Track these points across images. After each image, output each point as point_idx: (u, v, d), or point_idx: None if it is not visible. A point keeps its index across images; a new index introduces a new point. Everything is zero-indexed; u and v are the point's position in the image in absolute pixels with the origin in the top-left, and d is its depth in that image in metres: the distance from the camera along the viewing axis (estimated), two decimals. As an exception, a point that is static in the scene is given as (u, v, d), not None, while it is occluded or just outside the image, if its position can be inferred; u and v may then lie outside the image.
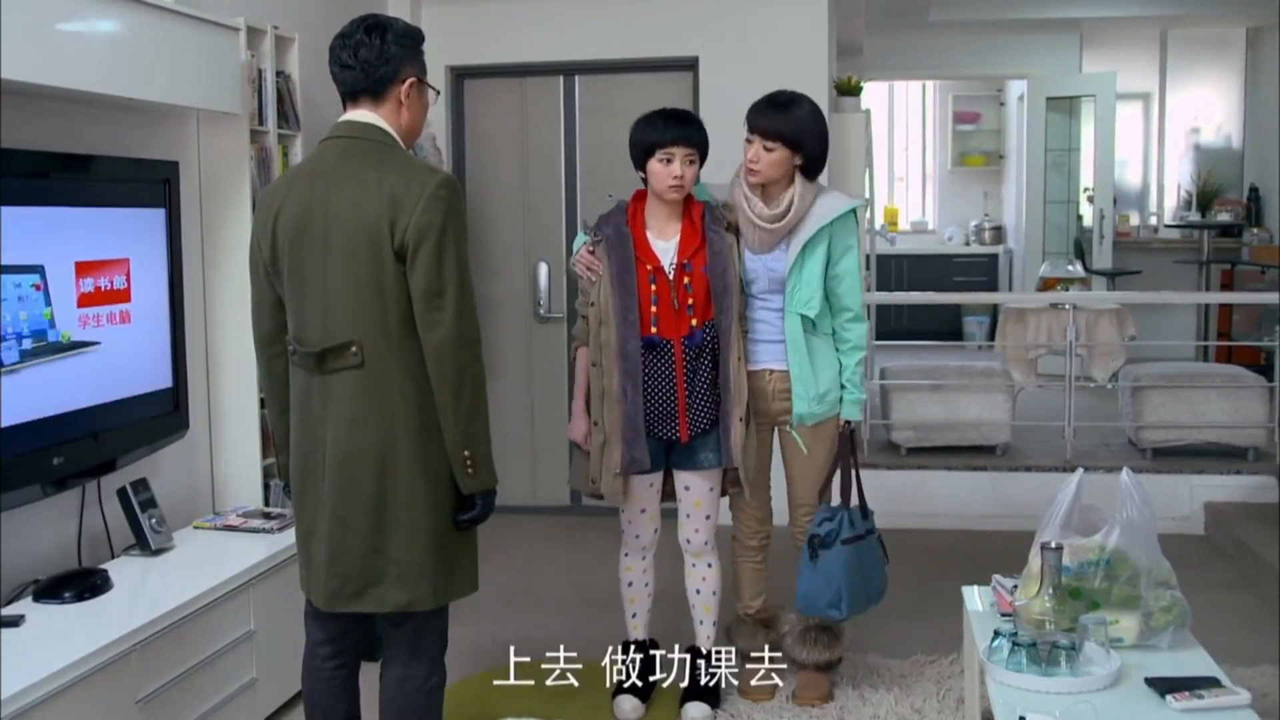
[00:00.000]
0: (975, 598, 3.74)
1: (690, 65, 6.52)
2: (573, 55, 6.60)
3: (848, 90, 6.93)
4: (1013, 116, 12.27)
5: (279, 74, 4.80)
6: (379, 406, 2.87)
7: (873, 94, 11.86)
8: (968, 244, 12.74)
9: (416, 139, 3.08)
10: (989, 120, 12.87)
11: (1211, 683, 2.94)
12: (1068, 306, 6.92)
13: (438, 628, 3.09)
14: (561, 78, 6.74)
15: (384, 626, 3.06)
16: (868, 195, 7.67)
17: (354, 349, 2.85)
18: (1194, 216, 10.80)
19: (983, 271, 12.36)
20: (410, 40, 2.98)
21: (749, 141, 4.03)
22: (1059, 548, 3.13)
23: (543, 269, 6.80)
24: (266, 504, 4.59)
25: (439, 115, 6.53)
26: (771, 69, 5.83)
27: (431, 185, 2.81)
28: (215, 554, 3.96)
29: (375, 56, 2.91)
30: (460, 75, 6.77)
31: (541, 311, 6.82)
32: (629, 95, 6.69)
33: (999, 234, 12.56)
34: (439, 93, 3.09)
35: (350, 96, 2.97)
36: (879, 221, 11.73)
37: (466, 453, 2.87)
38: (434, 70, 6.54)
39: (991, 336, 9.97)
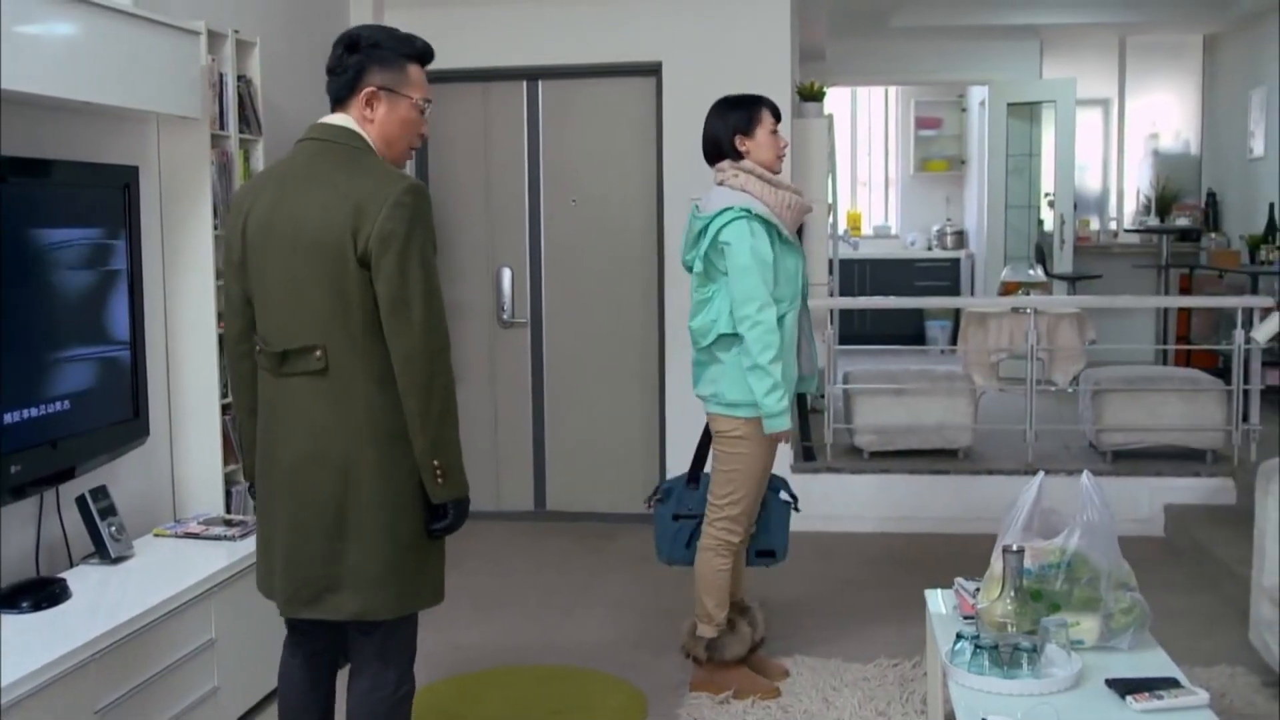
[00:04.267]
0: (938, 601, 3.76)
1: (653, 70, 6.53)
2: (535, 60, 6.60)
3: (810, 95, 6.95)
4: (974, 122, 12.34)
5: (240, 78, 4.77)
6: (342, 413, 2.82)
7: (835, 99, 11.92)
8: (930, 249, 12.82)
9: (402, 151, 2.97)
10: (950, 125, 12.95)
11: (1171, 683, 2.97)
12: (1029, 311, 6.96)
13: (406, 636, 3.03)
14: (524, 82, 6.74)
15: (352, 634, 3.02)
16: (830, 200, 7.70)
17: (318, 353, 2.81)
18: (1153, 221, 10.91)
19: (944, 276, 12.43)
20: (375, 49, 2.91)
21: (775, 133, 4.16)
22: (1020, 550, 3.15)
23: (506, 274, 6.79)
24: (228, 511, 4.57)
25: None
26: (734, 74, 5.84)
27: (396, 192, 2.75)
28: (176, 562, 3.93)
29: (334, 65, 2.93)
30: (423, 80, 6.74)
31: (505, 316, 6.81)
32: (592, 100, 6.71)
33: (961, 239, 12.64)
34: (420, 107, 2.95)
35: (333, 101, 2.98)
36: (842, 226, 11.79)
37: (436, 461, 2.82)
38: (396, 75, 6.59)
39: (953, 341, 10.03)
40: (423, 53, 2.97)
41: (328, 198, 2.79)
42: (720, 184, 4.12)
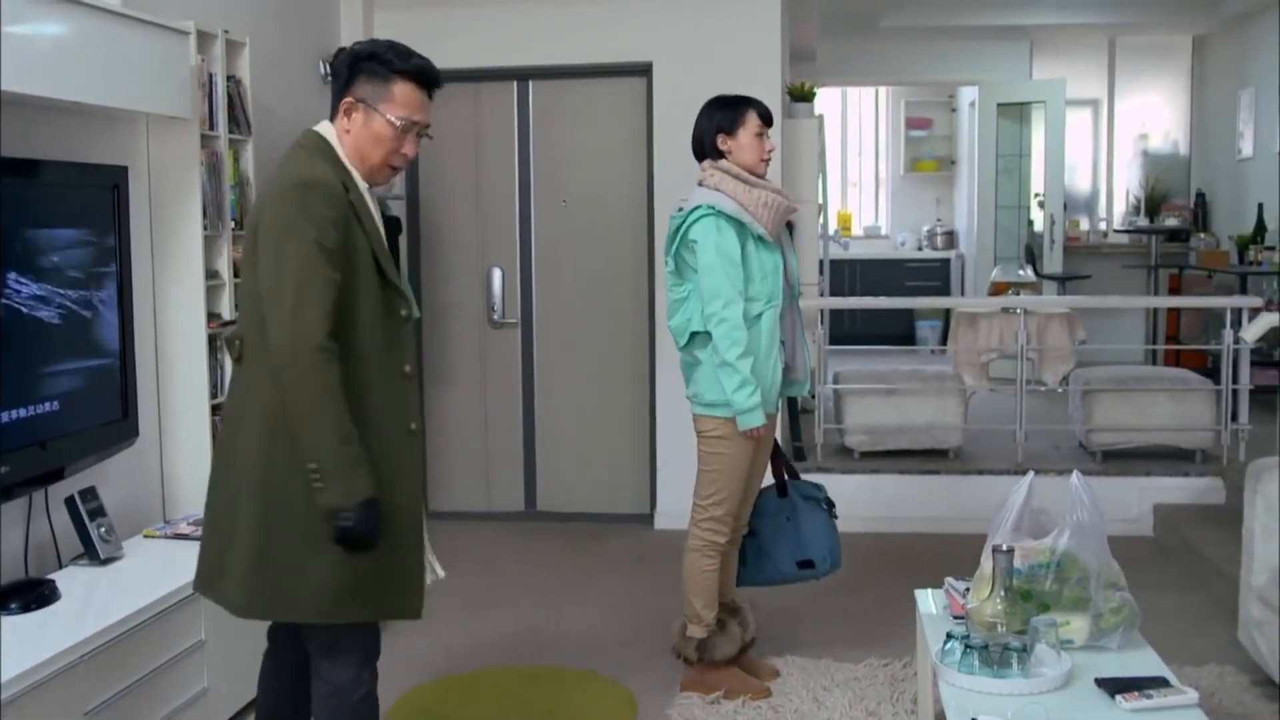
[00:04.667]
0: (928, 600, 3.76)
1: (644, 71, 6.53)
2: (526, 60, 6.60)
3: (801, 96, 6.96)
4: (964, 122, 12.37)
5: (230, 78, 4.76)
6: (245, 403, 2.87)
7: (826, 100, 11.94)
8: (920, 249, 12.84)
9: (377, 167, 2.91)
10: (941, 126, 12.97)
11: (1160, 683, 2.97)
12: (1019, 311, 6.98)
13: (352, 638, 2.95)
14: (515, 83, 6.73)
15: (303, 630, 2.99)
16: (821, 201, 7.71)
17: (237, 342, 2.91)
18: (1142, 222, 10.93)
19: (935, 276, 12.46)
20: (367, 61, 2.89)
21: (760, 135, 4.15)
22: (1010, 550, 3.16)
23: (496, 274, 6.78)
24: (218, 512, 4.55)
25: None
26: (725, 74, 5.84)
27: (285, 186, 2.78)
28: (165, 563, 3.92)
29: (334, 71, 2.96)
30: (413, 80, 6.73)
31: (495, 317, 6.81)
32: (582, 101, 6.70)
33: (951, 239, 12.66)
34: (395, 125, 2.88)
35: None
36: (832, 227, 11.80)
37: (311, 465, 2.72)
38: (386, 75, 6.57)
39: (944, 341, 10.05)
40: (416, 71, 2.91)
41: (259, 194, 2.94)
42: (700, 183, 4.15)
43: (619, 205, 6.69)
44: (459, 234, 6.82)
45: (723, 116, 4.15)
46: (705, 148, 4.19)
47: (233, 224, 4.73)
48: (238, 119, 4.83)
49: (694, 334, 4.13)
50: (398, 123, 2.88)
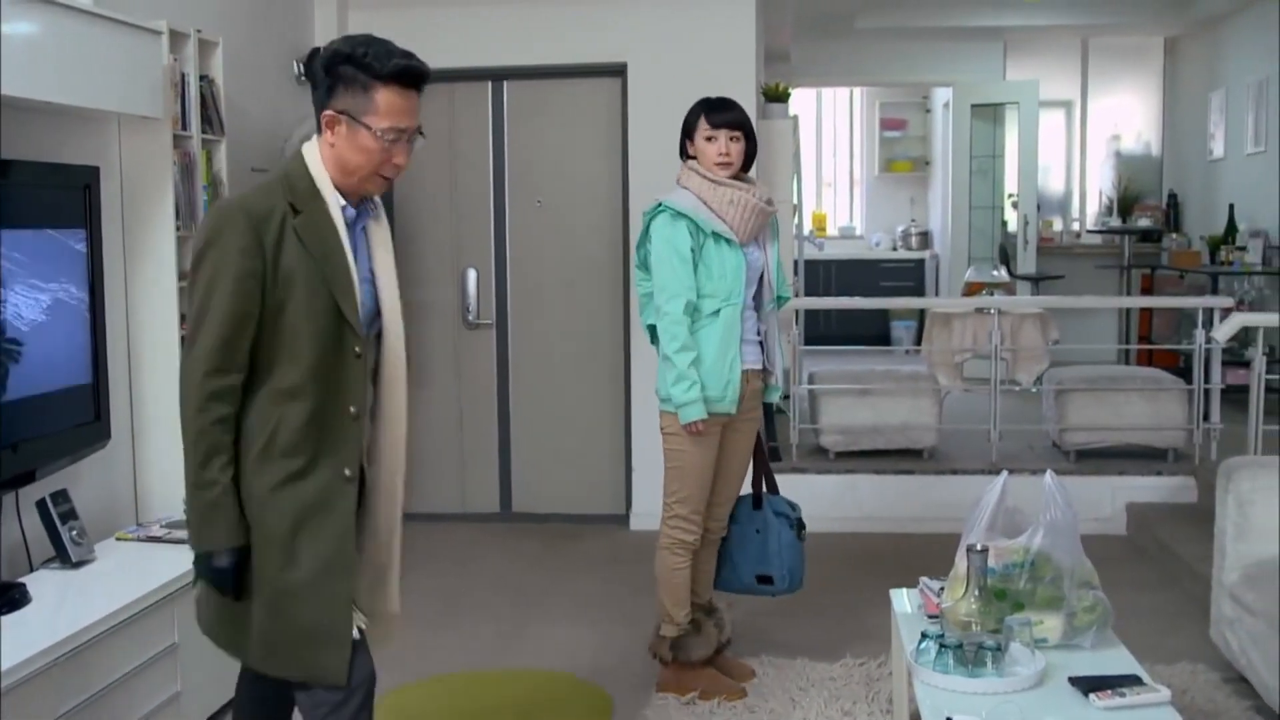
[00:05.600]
0: (903, 600, 3.78)
1: (619, 71, 6.53)
2: (501, 60, 6.59)
3: (775, 96, 6.97)
4: (938, 123, 12.41)
5: (203, 78, 4.74)
6: None
7: (800, 100, 11.96)
8: (895, 249, 12.88)
9: (363, 180, 2.72)
10: (915, 127, 13.01)
11: (1133, 681, 2.99)
12: (992, 311, 7.01)
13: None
14: (490, 83, 6.72)
15: None
16: (795, 201, 7.72)
17: None
18: (1115, 222, 10.99)
19: (909, 276, 12.49)
20: (344, 67, 2.65)
21: (711, 139, 4.13)
22: (984, 550, 3.17)
23: (471, 275, 6.77)
24: (191, 514, 4.52)
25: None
26: (700, 75, 5.84)
27: (210, 212, 2.70)
28: (138, 566, 3.89)
29: (311, 79, 2.74)
30: (387, 80, 6.71)
31: (470, 318, 6.80)
32: (557, 101, 6.70)
33: (925, 239, 12.70)
34: (380, 138, 2.66)
35: None
36: (807, 227, 11.83)
37: (184, 497, 2.69)
38: (360, 75, 6.55)
39: (918, 341, 10.08)
40: (399, 74, 2.66)
41: None
42: (676, 182, 4.21)
43: (594, 205, 6.69)
44: (434, 234, 6.81)
45: (688, 120, 4.21)
46: (682, 150, 4.25)
47: (206, 225, 4.70)
48: (211, 119, 4.80)
49: (653, 328, 4.19)
50: (383, 135, 2.66)
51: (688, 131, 4.19)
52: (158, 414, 4.52)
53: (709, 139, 4.13)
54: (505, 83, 6.71)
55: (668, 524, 4.25)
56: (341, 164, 2.70)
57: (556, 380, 6.79)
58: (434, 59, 6.76)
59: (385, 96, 2.65)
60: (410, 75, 2.69)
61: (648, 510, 6.25)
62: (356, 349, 2.72)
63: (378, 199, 2.88)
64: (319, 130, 2.71)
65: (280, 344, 2.63)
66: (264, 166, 5.58)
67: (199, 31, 4.68)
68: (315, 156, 2.71)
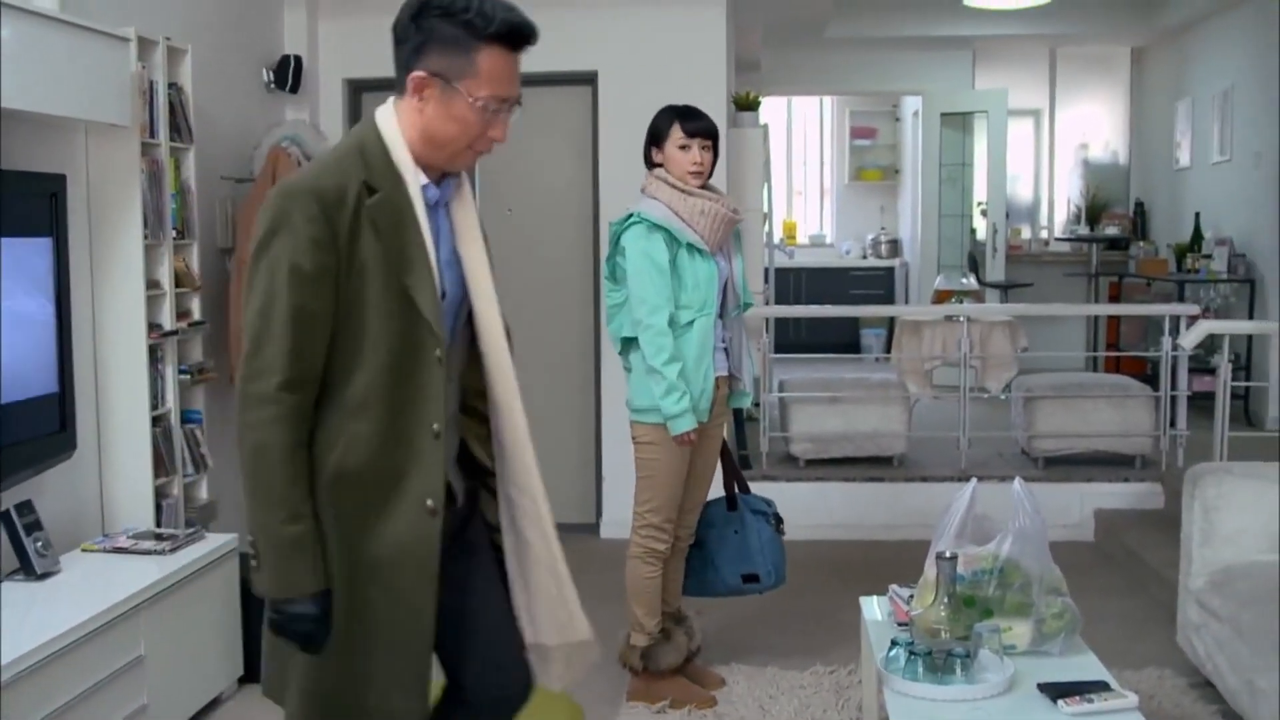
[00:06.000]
0: (873, 607, 3.78)
1: (589, 79, 6.53)
2: (471, 69, 6.56)
3: (746, 105, 6.99)
4: (908, 132, 12.47)
5: (171, 85, 4.72)
6: None
7: (771, 109, 11.99)
8: (865, 257, 12.92)
9: (455, 156, 2.36)
10: (885, 135, 13.07)
11: (1101, 687, 3.00)
12: (962, 319, 7.04)
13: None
14: (460, 91, 6.70)
15: None
16: (766, 209, 7.74)
17: None
18: (1083, 230, 11.06)
19: (879, 284, 12.54)
20: (441, 21, 2.25)
21: (685, 148, 4.13)
22: (954, 557, 3.18)
23: (442, 283, 6.74)
24: (158, 525, 4.50)
25: (336, 129, 6.46)
26: (671, 83, 5.86)
27: (269, 194, 2.24)
28: (104, 577, 3.86)
29: (398, 33, 2.31)
30: (358, 88, 6.70)
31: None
32: (527, 108, 6.61)
33: (895, 247, 12.75)
34: (482, 108, 2.29)
35: None
36: (778, 235, 11.86)
37: (250, 537, 2.24)
38: (331, 83, 6.58)
39: (888, 349, 10.11)
40: (508, 32, 2.25)
41: None
42: (641, 191, 4.19)
43: (564, 214, 6.69)
44: (404, 243, 6.77)
45: (656, 128, 4.19)
46: (648, 158, 4.23)
47: (174, 233, 4.68)
48: (179, 127, 4.78)
49: (626, 340, 4.17)
50: (485, 104, 2.27)
51: (655, 139, 4.18)
52: (124, 424, 4.49)
53: (683, 147, 4.12)
54: (476, 91, 6.69)
55: (639, 533, 4.24)
56: (429, 135, 2.30)
57: (526, 389, 6.69)
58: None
59: (489, 59, 2.25)
60: (519, 35, 2.28)
61: (618, 519, 6.24)
62: (437, 353, 2.30)
63: (463, 173, 2.47)
64: (399, 93, 2.31)
65: (348, 350, 2.24)
66: (233, 175, 5.56)
67: (167, 39, 4.66)
68: (393, 125, 2.31)
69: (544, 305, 6.72)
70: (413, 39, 2.27)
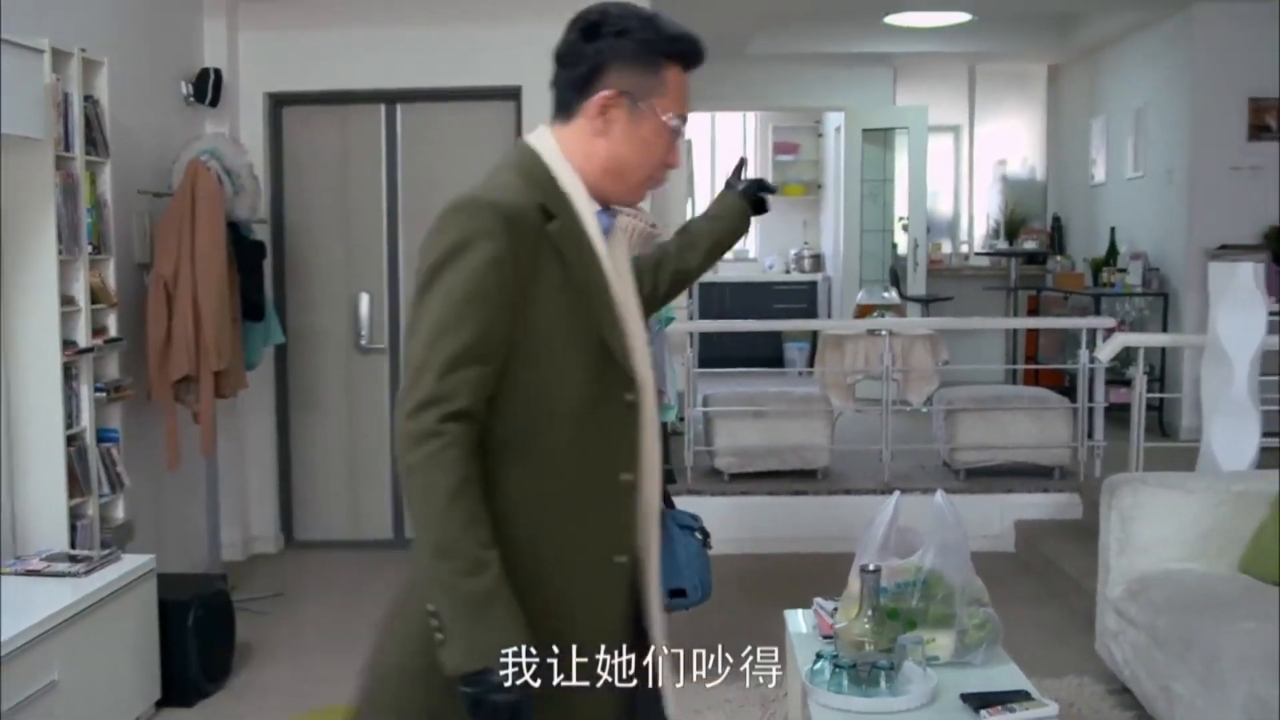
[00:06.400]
0: (797, 621, 3.80)
1: (514, 94, 6.52)
2: (394, 83, 6.54)
3: (669, 121, 7.00)
4: (830, 147, 12.57)
5: (87, 98, 4.64)
6: None
7: (694, 124, 12.03)
8: (788, 272, 13.00)
9: (636, 185, 2.15)
10: (808, 151, 13.16)
11: (1022, 696, 3.04)
12: (884, 332, 7.11)
13: None
14: (383, 106, 6.67)
15: None
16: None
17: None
18: (1002, 245, 11.21)
19: (802, 299, 12.61)
20: (623, 38, 2.05)
21: None
22: (878, 570, 3.20)
23: (364, 299, 6.69)
24: (73, 546, 4.40)
25: (257, 143, 6.40)
26: (593, 99, 5.86)
27: (442, 213, 1.98)
28: (16, 600, 3.77)
29: (566, 53, 2.08)
30: (279, 102, 6.64)
31: (363, 343, 6.72)
32: (451, 124, 6.67)
33: (818, 262, 12.84)
34: (672, 128, 2.09)
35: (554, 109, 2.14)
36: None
37: (433, 606, 1.89)
38: (251, 97, 6.51)
39: (811, 363, 10.18)
40: (687, 51, 2.09)
41: None
42: None
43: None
44: (325, 258, 6.72)
45: None
46: None
47: (90, 248, 4.60)
48: (95, 140, 4.70)
49: None
50: (675, 123, 2.09)
51: None
52: (37, 443, 4.39)
53: None
54: (399, 105, 6.67)
55: None
56: (612, 162, 2.08)
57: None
58: (326, 80, 6.72)
59: (674, 77, 2.07)
60: (697, 53, 2.11)
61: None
62: (629, 396, 2.06)
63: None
64: (564, 118, 2.08)
65: (521, 389, 1.97)
66: (151, 189, 5.48)
67: (83, 51, 4.58)
68: (556, 151, 2.07)
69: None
70: (588, 60, 2.05)
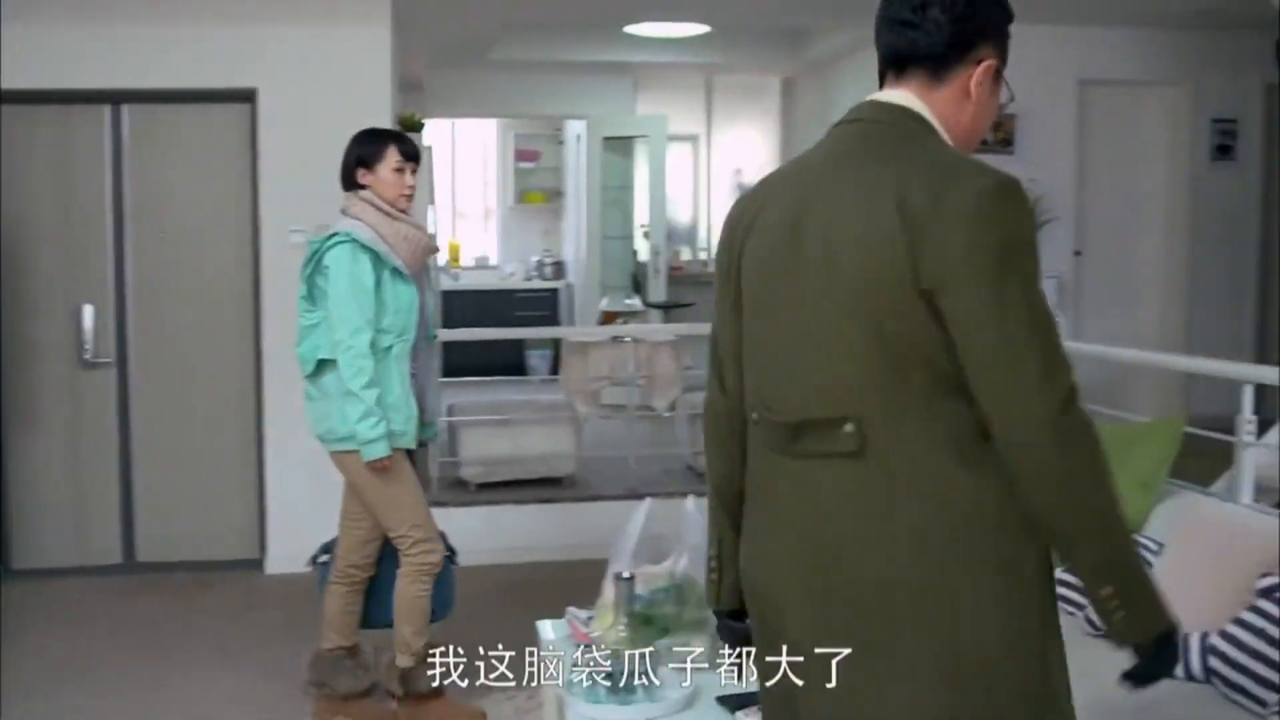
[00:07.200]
0: (551, 631, 3.77)
1: (248, 97, 6.28)
2: (119, 82, 6.19)
3: (411, 126, 6.89)
4: (571, 155, 12.65)
5: None
6: (890, 513, 1.88)
7: (434, 131, 11.91)
8: (529, 279, 13.00)
9: (972, 148, 2.10)
10: (549, 158, 13.20)
11: (775, 697, 3.09)
12: (629, 339, 7.17)
13: None
14: (108, 106, 6.31)
15: None
16: (431, 232, 7.67)
17: (849, 427, 1.91)
18: (738, 252, 11.47)
19: (544, 306, 12.64)
20: (1003, 8, 2.06)
21: (400, 171, 4.12)
22: (632, 577, 3.21)
23: (88, 310, 6.32)
24: None
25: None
26: (334, 103, 5.73)
27: (973, 194, 1.83)
28: None
29: (954, 15, 1.98)
30: (-12, 99, 6.22)
31: (87, 356, 6.34)
32: (181, 127, 6.40)
33: (559, 269, 12.89)
34: (1013, 97, 2.11)
35: (895, 66, 2.04)
36: (443, 258, 11.79)
37: (1109, 588, 1.85)
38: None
39: (554, 370, 10.21)
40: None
41: (868, 203, 1.90)
42: (342, 212, 4.11)
43: (223, 236, 6.41)
44: (44, 267, 6.32)
45: (364, 150, 4.14)
46: (349, 179, 4.15)
47: None
48: None
49: (321, 362, 4.05)
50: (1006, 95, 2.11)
51: (365, 161, 4.11)
52: None
53: (399, 170, 4.12)
54: (125, 106, 6.33)
55: (411, 554, 4.17)
56: (973, 130, 2.07)
57: (183, 418, 6.44)
58: (45, 79, 6.36)
59: (1007, 42, 2.08)
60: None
61: (286, 552, 6.03)
62: None
63: None
64: (937, 81, 2.01)
65: None
66: None
67: None
68: (931, 116, 2.02)
69: (201, 331, 6.42)
70: (973, 21, 2.00)
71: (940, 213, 1.83)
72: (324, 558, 4.46)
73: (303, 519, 5.84)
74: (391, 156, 4.11)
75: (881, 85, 2.07)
